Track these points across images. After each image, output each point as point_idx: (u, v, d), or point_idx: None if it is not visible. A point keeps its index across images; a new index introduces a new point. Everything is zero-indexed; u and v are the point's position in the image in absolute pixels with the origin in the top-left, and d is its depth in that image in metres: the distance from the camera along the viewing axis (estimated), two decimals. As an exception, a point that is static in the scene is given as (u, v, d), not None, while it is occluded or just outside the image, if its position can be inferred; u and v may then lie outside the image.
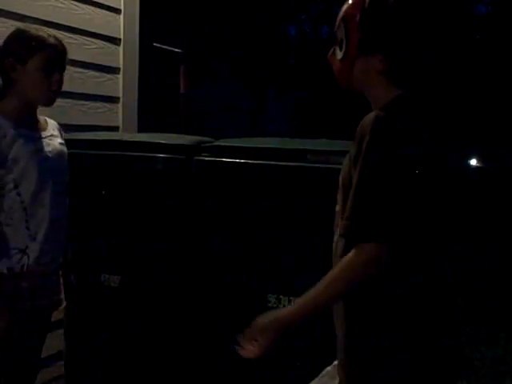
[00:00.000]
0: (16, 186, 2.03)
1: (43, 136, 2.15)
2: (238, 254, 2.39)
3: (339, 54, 1.61)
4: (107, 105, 3.31)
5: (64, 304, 2.27)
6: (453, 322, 1.58)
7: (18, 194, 2.03)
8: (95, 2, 3.23)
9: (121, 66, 3.44)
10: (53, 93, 2.14)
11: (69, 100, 3.08)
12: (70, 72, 2.80)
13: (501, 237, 8.87)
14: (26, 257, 2.05)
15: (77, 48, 3.07)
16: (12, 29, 2.71)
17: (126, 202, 2.52)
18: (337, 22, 1.62)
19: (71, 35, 3.01)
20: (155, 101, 6.73)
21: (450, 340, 1.56)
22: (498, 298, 5.80)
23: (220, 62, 14.88)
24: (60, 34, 2.94)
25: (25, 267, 2.05)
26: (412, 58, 1.55)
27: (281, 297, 2.38)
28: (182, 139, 2.82)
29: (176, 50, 7.33)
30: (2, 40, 2.12)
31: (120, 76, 3.43)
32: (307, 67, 18.36)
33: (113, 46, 3.45)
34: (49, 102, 2.16)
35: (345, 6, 1.59)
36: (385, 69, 1.54)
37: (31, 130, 2.12)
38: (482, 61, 19.71)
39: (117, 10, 3.41)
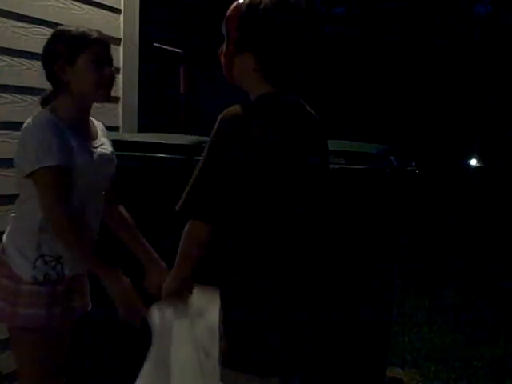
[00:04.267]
0: None
1: (96, 146, 2.09)
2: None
3: (223, 50, 1.79)
4: (107, 105, 3.30)
5: (90, 307, 2.26)
6: (302, 299, 1.77)
7: None
8: (95, 2, 3.23)
9: (121, 66, 3.43)
10: (107, 87, 2.08)
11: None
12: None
13: (497, 237, 8.87)
14: (59, 266, 2.03)
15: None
16: (12, 29, 2.74)
17: (125, 202, 2.51)
18: (223, 21, 1.79)
19: (71, 35, 3.01)
20: (155, 101, 6.73)
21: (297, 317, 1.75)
22: (498, 298, 5.80)
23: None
24: (60, 34, 2.96)
25: (60, 275, 2.04)
26: (278, 57, 1.72)
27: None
28: (182, 139, 2.82)
29: (176, 50, 7.33)
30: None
31: (120, 76, 3.43)
32: (307, 66, 18.36)
33: (113, 46, 3.43)
34: (105, 98, 2.12)
35: (230, 8, 1.77)
36: (258, 67, 1.71)
37: (85, 140, 2.06)
38: (482, 60, 19.72)
39: (117, 10, 3.41)
